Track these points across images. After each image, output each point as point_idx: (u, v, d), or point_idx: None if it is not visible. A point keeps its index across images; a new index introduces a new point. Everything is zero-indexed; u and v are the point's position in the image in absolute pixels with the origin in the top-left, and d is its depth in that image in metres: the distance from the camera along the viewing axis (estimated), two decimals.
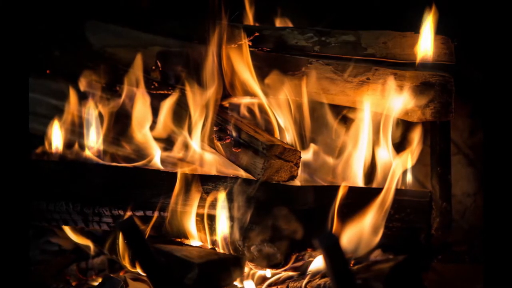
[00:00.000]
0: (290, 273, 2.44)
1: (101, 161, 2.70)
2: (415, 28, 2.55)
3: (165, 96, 2.70)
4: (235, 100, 2.65)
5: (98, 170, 2.58)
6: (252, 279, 2.49)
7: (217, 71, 2.55)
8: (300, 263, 2.41)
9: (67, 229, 2.65)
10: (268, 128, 2.61)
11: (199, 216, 2.47)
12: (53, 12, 2.99)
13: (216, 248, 2.44)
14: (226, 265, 2.29)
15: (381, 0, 3.04)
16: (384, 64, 2.55)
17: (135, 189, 2.49)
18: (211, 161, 2.65)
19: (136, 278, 2.51)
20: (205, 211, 2.44)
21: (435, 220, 2.56)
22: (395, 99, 2.51)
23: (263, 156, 2.37)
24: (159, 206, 2.46)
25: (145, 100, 2.72)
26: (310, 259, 2.41)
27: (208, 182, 2.45)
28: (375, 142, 2.60)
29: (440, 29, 2.53)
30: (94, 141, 2.75)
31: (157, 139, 2.72)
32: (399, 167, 2.52)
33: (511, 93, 2.29)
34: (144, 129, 2.72)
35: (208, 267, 2.25)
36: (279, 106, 2.60)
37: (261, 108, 2.64)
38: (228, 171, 2.62)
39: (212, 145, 2.56)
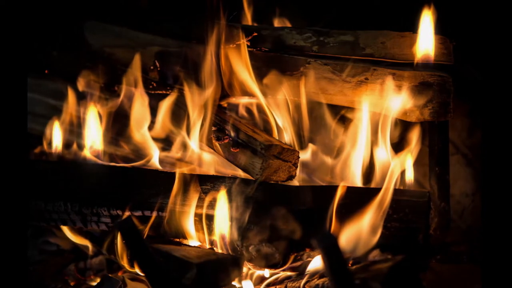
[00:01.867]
0: (289, 273, 2.44)
1: (99, 161, 2.69)
2: (414, 28, 2.55)
3: (164, 96, 2.70)
4: (233, 100, 2.65)
5: (96, 170, 2.58)
6: (251, 279, 2.49)
7: (216, 71, 2.55)
8: (298, 263, 2.41)
9: (65, 229, 2.65)
10: (267, 128, 2.61)
11: (198, 216, 2.47)
12: (52, 12, 2.98)
13: (215, 248, 2.44)
14: (224, 265, 2.28)
15: (380, 0, 3.04)
16: (383, 64, 2.54)
17: (133, 189, 2.48)
18: (209, 161, 2.65)
19: (135, 278, 2.51)
20: (204, 211, 2.44)
21: (434, 220, 2.56)
22: (394, 99, 2.51)
23: (261, 156, 2.37)
24: (157, 206, 2.46)
25: (144, 100, 2.72)
26: (309, 259, 2.41)
27: (206, 182, 2.45)
28: (374, 142, 2.60)
29: (439, 29, 2.53)
30: (92, 141, 2.74)
31: (155, 139, 2.72)
32: (397, 167, 2.52)
33: (510, 93, 2.29)
34: (142, 129, 2.71)
35: (207, 267, 2.25)
36: (277, 106, 2.60)
37: (260, 108, 2.64)
38: (227, 171, 2.62)
39: (210, 145, 2.56)
